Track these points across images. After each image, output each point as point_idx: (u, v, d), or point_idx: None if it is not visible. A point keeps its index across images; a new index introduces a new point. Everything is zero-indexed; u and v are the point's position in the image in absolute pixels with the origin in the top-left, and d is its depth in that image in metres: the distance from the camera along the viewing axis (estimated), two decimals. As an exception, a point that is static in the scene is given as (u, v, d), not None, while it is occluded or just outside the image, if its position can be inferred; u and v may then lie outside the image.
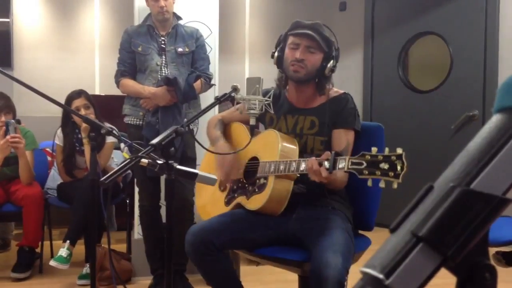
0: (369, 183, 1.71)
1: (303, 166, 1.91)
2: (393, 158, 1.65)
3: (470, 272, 0.49)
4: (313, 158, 1.86)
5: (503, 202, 0.49)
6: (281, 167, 1.97)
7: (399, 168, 1.64)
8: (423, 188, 0.52)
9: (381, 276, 0.47)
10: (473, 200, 0.48)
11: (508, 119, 0.52)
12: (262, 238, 2.05)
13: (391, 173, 1.65)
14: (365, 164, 1.70)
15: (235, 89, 1.95)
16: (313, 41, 2.09)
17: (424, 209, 0.49)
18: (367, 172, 1.69)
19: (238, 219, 2.07)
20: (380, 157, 1.67)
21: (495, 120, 0.53)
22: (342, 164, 1.76)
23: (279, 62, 2.18)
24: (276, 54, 2.18)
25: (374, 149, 1.70)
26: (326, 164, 1.80)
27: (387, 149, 1.68)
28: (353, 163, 1.72)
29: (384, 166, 1.66)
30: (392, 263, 0.47)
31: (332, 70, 2.12)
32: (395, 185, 1.64)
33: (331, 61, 2.10)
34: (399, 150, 1.66)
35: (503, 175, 0.50)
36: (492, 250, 1.97)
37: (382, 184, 1.67)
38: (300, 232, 2.01)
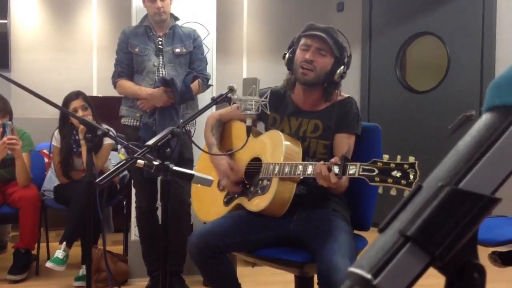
0: (380, 190, 1.69)
1: (310, 169, 1.88)
2: (406, 166, 1.65)
3: (459, 272, 0.48)
4: (322, 162, 1.83)
5: (492, 202, 0.48)
6: (286, 169, 1.94)
7: (411, 177, 1.63)
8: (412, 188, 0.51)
9: (369, 276, 0.46)
10: (462, 200, 0.48)
11: (497, 118, 0.51)
12: (264, 240, 2.04)
13: (404, 181, 1.64)
14: (376, 171, 1.68)
15: (231, 89, 1.95)
16: (325, 44, 2.07)
17: (413, 208, 0.49)
18: (378, 179, 1.68)
19: (241, 222, 2.05)
20: (393, 165, 1.66)
21: (484, 119, 0.52)
22: (352, 170, 1.74)
23: (289, 64, 2.16)
24: (287, 55, 2.16)
25: (385, 156, 1.69)
26: (336, 169, 1.78)
27: (399, 157, 1.67)
28: (364, 170, 1.71)
29: (397, 174, 1.65)
30: (380, 263, 0.47)
31: (342, 76, 2.10)
32: (406, 193, 1.64)
33: (342, 67, 2.08)
34: (412, 159, 1.65)
35: (492, 174, 0.49)
36: (488, 250, 1.96)
37: (393, 192, 1.66)
38: (302, 234, 2.00)
